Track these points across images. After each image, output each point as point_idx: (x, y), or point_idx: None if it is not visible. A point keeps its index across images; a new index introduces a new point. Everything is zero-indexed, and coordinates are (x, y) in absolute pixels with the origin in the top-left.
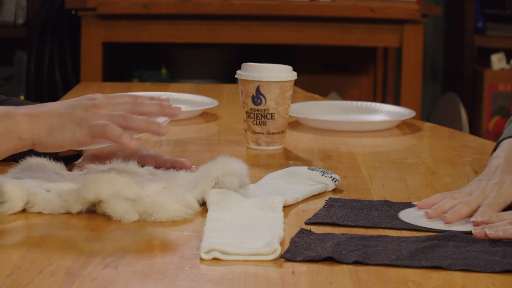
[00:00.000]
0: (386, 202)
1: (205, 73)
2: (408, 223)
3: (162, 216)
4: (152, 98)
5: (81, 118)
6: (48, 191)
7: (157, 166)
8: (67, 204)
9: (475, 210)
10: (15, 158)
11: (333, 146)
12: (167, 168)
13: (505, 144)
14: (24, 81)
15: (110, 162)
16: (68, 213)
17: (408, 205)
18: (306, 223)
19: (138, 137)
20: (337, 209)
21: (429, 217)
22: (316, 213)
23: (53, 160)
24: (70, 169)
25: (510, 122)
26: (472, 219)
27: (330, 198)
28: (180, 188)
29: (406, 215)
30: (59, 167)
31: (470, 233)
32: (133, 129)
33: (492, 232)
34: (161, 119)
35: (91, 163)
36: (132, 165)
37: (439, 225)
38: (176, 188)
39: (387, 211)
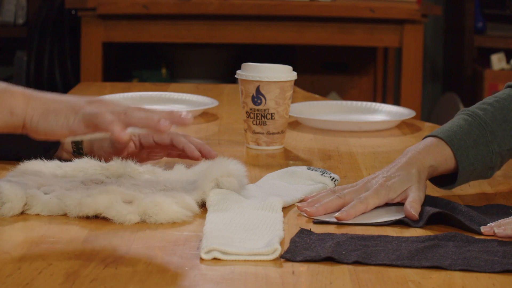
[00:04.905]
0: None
1: (205, 73)
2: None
3: (161, 218)
4: (170, 113)
5: (79, 106)
6: (46, 194)
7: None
8: (68, 209)
9: (348, 203)
10: (16, 155)
11: (333, 146)
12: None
13: (423, 142)
14: (24, 81)
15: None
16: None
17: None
18: (315, 223)
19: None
20: None
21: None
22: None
23: (49, 160)
24: (70, 158)
25: (458, 115)
26: (483, 230)
27: None
28: (179, 190)
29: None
30: (56, 168)
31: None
32: (132, 125)
33: (501, 230)
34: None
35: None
36: (131, 164)
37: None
38: (174, 190)
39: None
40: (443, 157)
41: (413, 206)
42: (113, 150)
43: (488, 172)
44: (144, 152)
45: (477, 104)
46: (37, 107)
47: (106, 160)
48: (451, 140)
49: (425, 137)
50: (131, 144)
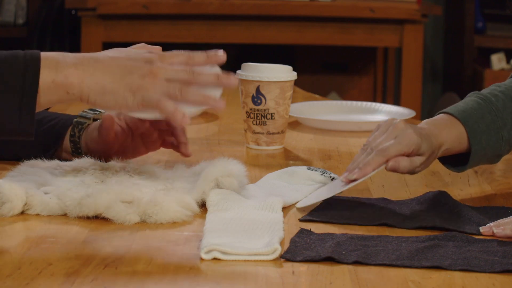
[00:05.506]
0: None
1: None
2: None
3: (161, 217)
4: (218, 77)
5: (137, 87)
6: (46, 194)
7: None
8: (68, 209)
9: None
10: (15, 155)
11: (333, 146)
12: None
13: (440, 120)
14: None
15: (108, 160)
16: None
17: (406, 202)
18: (301, 220)
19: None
20: (333, 206)
21: (347, 182)
22: (311, 211)
23: (49, 160)
24: (69, 158)
25: (470, 96)
26: (482, 231)
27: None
28: (179, 190)
29: (305, 203)
30: (56, 168)
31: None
32: (188, 103)
33: (500, 230)
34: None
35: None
36: (131, 164)
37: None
38: (174, 189)
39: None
40: (457, 140)
41: (397, 168)
42: (100, 136)
43: (496, 158)
44: (138, 141)
45: (488, 90)
46: (92, 86)
47: (97, 150)
48: (466, 121)
49: (439, 113)
50: (117, 128)
